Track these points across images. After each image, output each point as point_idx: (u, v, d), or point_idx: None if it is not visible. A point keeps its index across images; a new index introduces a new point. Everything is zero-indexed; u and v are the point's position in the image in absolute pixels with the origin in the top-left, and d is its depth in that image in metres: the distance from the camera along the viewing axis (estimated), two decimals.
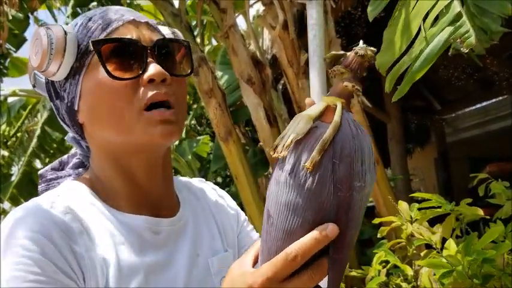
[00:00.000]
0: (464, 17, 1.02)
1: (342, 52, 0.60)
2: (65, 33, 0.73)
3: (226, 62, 3.74)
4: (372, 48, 0.60)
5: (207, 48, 4.80)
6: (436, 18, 1.09)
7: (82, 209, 0.72)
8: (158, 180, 0.79)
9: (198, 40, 3.41)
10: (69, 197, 0.73)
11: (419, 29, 1.09)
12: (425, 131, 6.73)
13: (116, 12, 0.77)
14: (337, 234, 0.55)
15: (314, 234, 0.55)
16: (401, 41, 1.11)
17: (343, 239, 0.56)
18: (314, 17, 0.73)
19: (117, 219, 0.73)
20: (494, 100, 6.37)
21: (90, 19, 0.76)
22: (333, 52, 0.60)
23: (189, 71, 0.81)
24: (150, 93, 0.71)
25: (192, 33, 3.20)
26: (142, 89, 0.72)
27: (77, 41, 0.74)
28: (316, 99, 0.70)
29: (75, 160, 0.86)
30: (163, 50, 0.76)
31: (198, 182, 0.93)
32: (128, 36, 0.74)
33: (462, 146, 7.28)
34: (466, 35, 1.00)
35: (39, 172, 0.87)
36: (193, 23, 4.55)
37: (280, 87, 3.85)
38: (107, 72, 0.71)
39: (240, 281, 0.59)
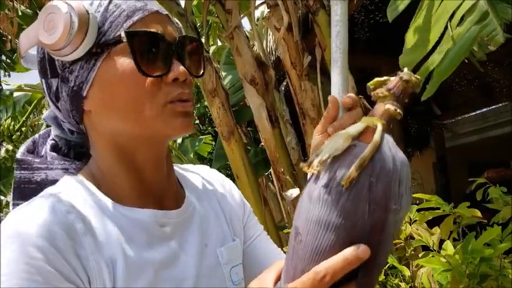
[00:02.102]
0: (491, 15, 1.02)
1: (385, 78, 0.58)
2: (87, 12, 0.68)
3: (231, 62, 3.77)
4: (417, 76, 0.58)
5: (212, 49, 4.83)
6: (462, 18, 1.09)
7: (85, 206, 0.70)
8: (163, 172, 0.78)
9: (203, 40, 3.44)
10: (70, 194, 0.70)
11: (445, 29, 1.08)
12: (424, 136, 6.75)
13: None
14: (368, 257, 0.53)
15: (345, 254, 0.53)
16: (426, 41, 1.10)
17: (373, 261, 0.53)
18: (338, 13, 0.74)
19: (122, 215, 0.71)
20: (494, 107, 6.40)
21: (110, 2, 0.71)
22: (377, 78, 0.59)
23: (202, 72, 0.79)
24: (175, 92, 0.71)
25: (197, 33, 3.24)
26: (166, 86, 0.70)
27: (97, 23, 0.69)
28: (337, 97, 0.73)
29: (50, 142, 0.81)
30: (185, 48, 0.74)
31: (205, 169, 0.92)
32: (154, 30, 0.70)
33: (461, 151, 7.30)
34: (493, 33, 1.00)
35: (18, 157, 0.79)
36: (199, 23, 4.58)
37: (283, 88, 3.89)
38: (138, 66, 0.68)
39: None
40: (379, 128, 0.56)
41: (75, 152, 0.82)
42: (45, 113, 0.81)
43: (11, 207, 0.78)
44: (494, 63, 4.35)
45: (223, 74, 4.07)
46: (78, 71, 0.70)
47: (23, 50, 0.74)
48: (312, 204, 0.55)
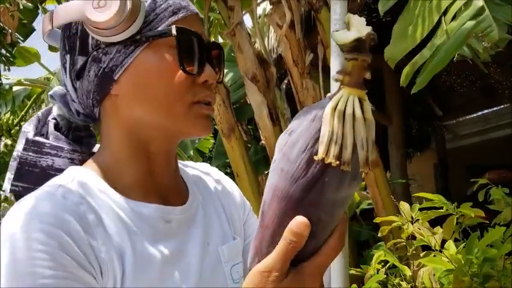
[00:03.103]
0: (487, 12, 1.01)
1: (354, 37, 0.55)
2: None
3: (232, 59, 3.75)
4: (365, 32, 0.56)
5: None
6: (456, 14, 1.07)
7: (94, 198, 0.69)
8: (171, 168, 0.79)
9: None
10: (78, 185, 0.70)
11: (437, 24, 1.07)
12: (425, 137, 6.74)
13: None
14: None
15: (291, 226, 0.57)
16: (415, 35, 1.09)
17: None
18: (338, 12, 0.74)
19: (129, 208, 0.71)
20: (495, 108, 6.39)
21: None
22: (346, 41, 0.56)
23: (222, 78, 0.81)
24: (203, 93, 0.73)
25: None
26: (196, 86, 0.73)
27: (145, 12, 0.70)
28: None
29: (51, 120, 0.80)
30: (214, 53, 0.77)
31: (205, 167, 0.92)
32: (195, 30, 0.73)
33: (462, 152, 7.29)
34: (488, 29, 0.99)
35: (30, 137, 0.77)
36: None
37: (284, 86, 3.87)
38: (180, 62, 0.71)
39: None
40: (368, 106, 0.57)
41: (74, 135, 0.81)
42: (53, 89, 0.79)
43: (7, 184, 0.76)
44: (496, 65, 4.33)
45: (225, 71, 4.06)
46: (113, 54, 0.70)
47: (57, 24, 0.73)
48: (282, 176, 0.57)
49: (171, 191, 0.79)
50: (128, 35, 0.69)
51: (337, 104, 0.55)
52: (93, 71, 0.72)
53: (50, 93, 0.79)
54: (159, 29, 0.71)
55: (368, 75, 0.56)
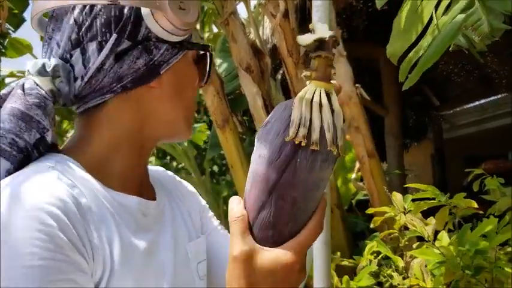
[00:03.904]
0: (477, 4, 1.01)
1: (317, 37, 0.62)
2: None
3: (226, 49, 3.72)
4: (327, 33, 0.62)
5: (206, 36, 4.77)
6: (448, 6, 1.07)
7: (79, 182, 0.68)
8: (146, 163, 0.82)
9: (198, 26, 3.39)
10: (63, 170, 0.68)
11: (431, 17, 1.07)
12: (422, 127, 6.74)
13: None
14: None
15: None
16: (413, 29, 1.10)
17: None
18: None
19: (112, 198, 0.71)
20: (492, 98, 6.38)
21: None
22: (308, 42, 0.62)
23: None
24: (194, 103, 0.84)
25: None
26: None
27: None
28: None
29: (34, 93, 0.71)
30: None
31: (162, 170, 0.94)
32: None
33: (459, 143, 7.29)
34: (478, 23, 0.99)
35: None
36: None
37: (279, 76, 3.84)
38: (202, 76, 0.82)
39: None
40: (335, 98, 0.63)
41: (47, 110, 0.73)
42: (53, 61, 0.73)
43: None
44: (493, 54, 4.30)
45: (219, 61, 4.02)
46: (163, 51, 0.74)
47: (129, 3, 0.72)
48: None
49: (145, 186, 0.81)
50: (182, 38, 0.75)
51: (305, 94, 0.61)
52: (143, 60, 0.73)
53: (55, 63, 0.73)
54: (194, 42, 0.80)
55: (333, 71, 0.62)
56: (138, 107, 0.75)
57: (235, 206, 0.63)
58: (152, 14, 0.72)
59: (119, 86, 0.73)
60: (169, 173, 0.95)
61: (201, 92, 3.25)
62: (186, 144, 4.42)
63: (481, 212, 1.34)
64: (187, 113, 0.80)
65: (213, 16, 4.36)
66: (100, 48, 0.72)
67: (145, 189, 0.80)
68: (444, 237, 1.14)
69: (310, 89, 0.62)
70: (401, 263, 1.30)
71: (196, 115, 5.57)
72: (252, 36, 3.43)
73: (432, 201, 1.25)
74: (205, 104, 3.39)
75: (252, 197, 0.63)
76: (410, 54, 1.08)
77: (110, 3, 0.71)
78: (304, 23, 3.00)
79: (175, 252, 0.78)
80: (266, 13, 3.09)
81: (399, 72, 1.11)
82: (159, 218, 0.79)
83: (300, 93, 0.61)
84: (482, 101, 6.64)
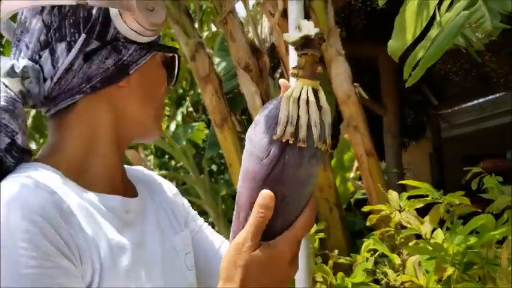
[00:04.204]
0: (480, 1, 1.01)
1: (303, 35, 0.63)
2: None
3: (225, 48, 3.72)
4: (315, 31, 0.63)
5: (205, 35, 4.76)
6: (451, 4, 1.07)
7: (59, 189, 0.68)
8: (122, 162, 0.83)
9: (196, 25, 3.38)
10: (42, 178, 0.68)
11: (434, 14, 1.07)
12: (421, 126, 6.75)
13: None
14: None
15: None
16: (415, 27, 1.09)
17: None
18: (294, 13, 0.81)
19: (94, 200, 0.72)
20: (491, 97, 6.38)
21: None
22: (294, 39, 0.64)
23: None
24: (164, 97, 0.85)
25: (190, 17, 3.18)
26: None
27: None
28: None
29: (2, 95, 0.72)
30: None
31: (141, 169, 0.95)
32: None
33: (457, 141, 7.30)
34: (481, 20, 0.99)
35: None
36: (192, 8, 4.51)
37: (278, 75, 3.84)
38: (170, 76, 0.85)
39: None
40: (322, 93, 0.65)
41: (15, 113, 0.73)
42: (22, 61, 0.74)
43: None
44: (491, 53, 4.31)
45: (217, 60, 4.02)
46: (132, 51, 0.76)
47: (98, 4, 0.73)
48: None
49: (125, 184, 0.83)
50: (150, 40, 0.77)
51: (292, 92, 0.63)
52: (112, 59, 0.74)
53: (25, 63, 0.73)
54: (161, 43, 0.82)
55: (320, 69, 0.63)
56: (108, 107, 0.76)
57: (268, 205, 0.63)
58: (120, 15, 0.73)
59: (88, 86, 0.74)
60: (150, 172, 0.96)
61: (199, 90, 3.25)
62: (184, 143, 4.41)
63: (479, 210, 1.34)
64: (156, 112, 0.82)
65: (212, 15, 4.36)
66: (69, 48, 0.73)
67: (126, 187, 0.82)
68: (440, 234, 1.15)
69: (297, 87, 0.63)
70: (397, 261, 1.31)
71: (194, 114, 5.57)
72: (251, 35, 3.43)
73: (426, 198, 1.26)
74: (204, 102, 3.39)
75: (243, 194, 0.65)
76: (416, 50, 1.08)
77: (78, 3, 0.71)
78: None
79: (162, 244, 0.80)
80: (264, 12, 3.09)
81: (403, 69, 1.11)
82: (143, 213, 0.81)
83: (287, 92, 0.63)
84: (481, 100, 6.65)
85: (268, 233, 0.64)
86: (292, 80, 0.66)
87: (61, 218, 0.64)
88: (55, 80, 0.73)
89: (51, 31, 0.73)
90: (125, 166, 0.91)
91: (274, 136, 0.61)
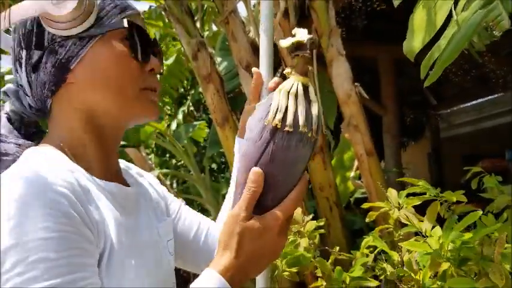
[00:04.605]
0: (497, 0, 1.02)
1: (296, 40, 0.73)
2: None
3: (226, 48, 3.73)
4: (309, 36, 0.74)
5: (206, 34, 4.78)
6: (467, 2, 1.08)
7: (75, 169, 0.77)
8: (117, 153, 0.89)
9: (198, 25, 3.40)
10: (54, 160, 0.77)
11: (450, 14, 1.08)
12: (420, 126, 6.76)
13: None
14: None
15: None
16: (431, 26, 1.10)
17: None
18: (265, 12, 0.90)
19: (97, 184, 0.79)
20: (490, 97, 6.40)
21: None
22: (289, 42, 0.74)
23: (163, 70, 0.93)
24: (149, 80, 0.84)
25: (192, 17, 3.19)
26: (144, 74, 0.83)
27: (98, 8, 0.80)
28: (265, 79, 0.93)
29: (3, 115, 0.86)
30: (156, 47, 0.88)
31: (123, 162, 1.00)
32: (140, 26, 0.85)
33: (456, 141, 7.32)
34: (499, 18, 1.00)
35: None
36: (194, 7, 4.52)
37: (278, 75, 3.85)
38: (131, 50, 0.81)
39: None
40: (312, 89, 0.74)
41: (25, 130, 0.88)
42: (6, 86, 0.85)
43: None
44: (491, 54, 4.33)
45: (219, 60, 4.03)
46: (69, 46, 0.78)
47: (14, 21, 0.78)
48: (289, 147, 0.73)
49: (118, 173, 0.90)
50: (83, 28, 0.78)
51: (283, 86, 0.73)
52: (50, 62, 0.79)
53: (3, 89, 0.85)
54: (112, 22, 0.80)
55: (310, 68, 0.74)
56: (71, 105, 0.81)
57: (258, 179, 0.73)
58: (42, 18, 0.78)
59: (47, 92, 0.81)
60: (133, 165, 1.02)
61: (200, 90, 3.26)
62: (185, 141, 4.43)
63: (479, 210, 1.36)
64: (124, 91, 0.81)
65: (213, 15, 4.37)
66: (20, 66, 0.82)
67: (120, 177, 0.89)
68: (438, 231, 1.17)
69: (289, 82, 0.74)
70: (396, 257, 1.33)
71: (196, 113, 5.58)
72: (252, 34, 3.45)
73: (424, 196, 1.28)
74: (205, 102, 3.40)
75: (241, 174, 0.76)
76: (433, 49, 1.09)
77: (7, 27, 0.79)
78: (303, 21, 3.02)
79: (150, 231, 0.88)
80: None
81: (421, 68, 1.12)
82: (135, 201, 0.88)
83: (280, 86, 0.74)
84: (480, 100, 6.67)
85: (261, 207, 0.74)
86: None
87: (83, 193, 0.73)
88: (29, 94, 0.83)
89: (13, 54, 0.82)
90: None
91: (265, 121, 0.72)
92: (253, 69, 0.87)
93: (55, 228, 0.66)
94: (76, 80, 0.80)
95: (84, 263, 0.68)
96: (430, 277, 1.15)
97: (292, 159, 0.72)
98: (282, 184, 0.73)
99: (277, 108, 0.71)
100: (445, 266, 1.08)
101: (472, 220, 1.13)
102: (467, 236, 1.07)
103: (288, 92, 0.72)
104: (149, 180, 1.01)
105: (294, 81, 0.73)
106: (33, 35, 0.79)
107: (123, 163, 0.97)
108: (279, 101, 0.72)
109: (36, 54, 0.79)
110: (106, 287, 0.72)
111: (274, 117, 0.71)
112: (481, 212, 1.17)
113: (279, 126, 0.71)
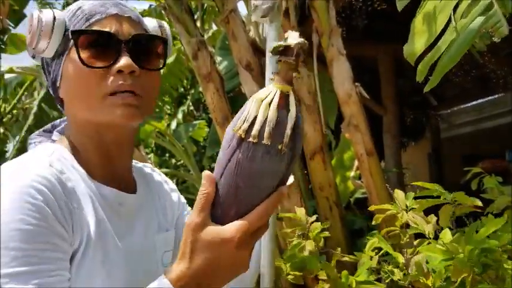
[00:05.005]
0: (496, 6, 1.02)
1: (285, 43, 0.69)
2: (54, 18, 0.84)
3: (226, 47, 3.73)
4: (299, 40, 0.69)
5: (206, 34, 4.77)
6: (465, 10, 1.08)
7: (69, 171, 0.82)
8: (125, 157, 0.92)
9: (198, 24, 3.39)
10: (58, 158, 0.83)
11: (450, 18, 1.08)
12: (420, 126, 6.75)
13: (102, 5, 0.86)
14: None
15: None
16: (432, 30, 1.10)
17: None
18: (272, 37, 0.90)
19: (94, 187, 0.84)
20: (490, 98, 6.40)
21: (79, 8, 0.86)
22: (278, 44, 0.70)
23: (161, 66, 0.91)
24: (115, 83, 0.82)
25: (192, 16, 3.19)
26: (111, 78, 0.82)
27: (64, 26, 0.85)
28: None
29: (63, 124, 0.95)
30: (139, 44, 0.85)
31: (147, 167, 1.04)
32: (107, 29, 0.83)
33: (456, 142, 7.31)
34: (498, 24, 1.00)
35: (31, 135, 0.95)
36: (194, 7, 4.52)
37: None
38: (80, 59, 0.82)
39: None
40: (292, 98, 0.70)
41: None
42: None
43: None
44: (491, 54, 4.32)
45: (219, 59, 4.03)
46: (54, 66, 0.87)
47: (30, 50, 0.91)
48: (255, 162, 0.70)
49: (124, 180, 0.91)
50: (54, 48, 0.85)
51: (258, 94, 0.69)
52: (49, 80, 0.89)
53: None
54: (74, 36, 0.84)
55: (295, 75, 0.69)
56: (71, 116, 0.90)
57: (207, 182, 0.72)
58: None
59: (59, 107, 0.92)
60: (157, 171, 1.05)
61: (200, 89, 3.26)
62: (185, 141, 4.43)
63: (479, 210, 1.35)
64: (88, 100, 0.83)
65: (213, 14, 4.37)
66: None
67: (126, 183, 0.92)
68: (447, 235, 1.16)
69: (265, 90, 0.70)
70: (401, 260, 1.32)
71: (195, 112, 5.58)
72: (252, 34, 3.44)
73: (437, 199, 1.26)
74: (205, 101, 3.40)
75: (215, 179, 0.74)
76: (429, 54, 1.09)
77: (33, 55, 0.90)
78: (303, 21, 3.01)
79: (143, 240, 0.90)
80: None
81: (417, 72, 1.12)
82: (135, 209, 0.91)
83: (256, 93, 0.70)
84: (480, 101, 6.66)
85: (223, 218, 0.71)
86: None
87: (64, 194, 0.77)
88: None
89: None
90: (138, 163, 1.01)
91: (233, 130, 0.69)
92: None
93: (28, 221, 0.72)
94: (63, 96, 0.88)
95: (52, 256, 0.73)
96: (440, 281, 1.14)
97: (257, 171, 0.69)
98: (246, 196, 0.70)
99: (245, 118, 0.69)
100: (466, 272, 1.06)
101: (496, 227, 1.12)
102: (493, 243, 1.06)
103: (262, 101, 0.69)
104: (165, 187, 1.03)
105: (272, 89, 0.69)
106: (43, 62, 0.91)
107: (138, 166, 1.00)
108: (249, 109, 0.69)
109: (45, 76, 0.92)
110: (73, 283, 0.76)
111: (240, 127, 0.68)
112: (504, 221, 1.16)
113: (243, 136, 0.68)
